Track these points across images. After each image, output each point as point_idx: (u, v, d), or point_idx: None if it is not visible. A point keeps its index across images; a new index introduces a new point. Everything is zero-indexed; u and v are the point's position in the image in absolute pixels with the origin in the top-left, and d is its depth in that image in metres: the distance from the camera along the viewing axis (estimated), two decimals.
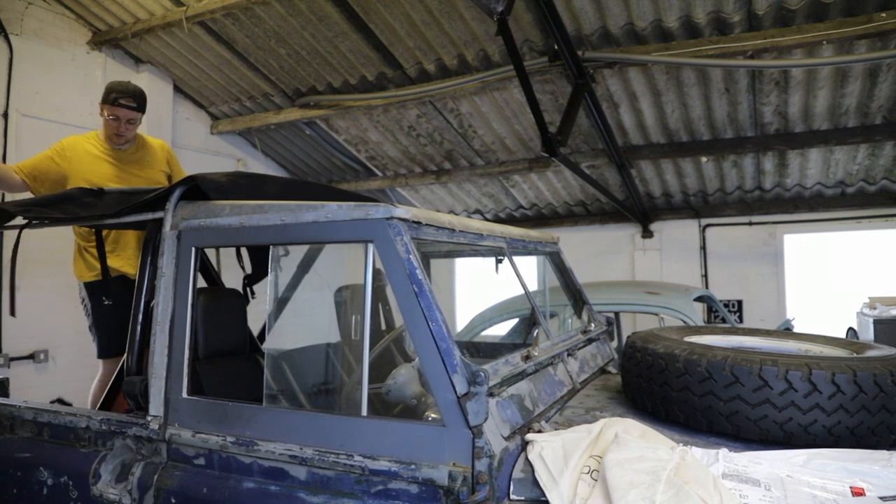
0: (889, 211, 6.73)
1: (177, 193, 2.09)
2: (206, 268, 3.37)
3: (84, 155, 3.53)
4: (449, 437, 1.57)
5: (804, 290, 7.36)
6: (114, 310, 3.30)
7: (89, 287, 3.52)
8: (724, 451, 1.64)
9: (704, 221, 7.62)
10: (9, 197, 5.26)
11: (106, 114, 3.47)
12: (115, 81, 3.59)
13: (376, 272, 2.69)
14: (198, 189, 2.09)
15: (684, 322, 4.38)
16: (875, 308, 6.20)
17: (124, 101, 3.44)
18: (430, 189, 8.31)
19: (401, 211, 1.71)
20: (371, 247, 1.72)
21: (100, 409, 3.17)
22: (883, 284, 6.87)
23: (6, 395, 2.69)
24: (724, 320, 5.91)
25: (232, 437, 1.80)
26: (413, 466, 1.56)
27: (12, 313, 2.53)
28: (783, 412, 1.76)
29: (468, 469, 1.53)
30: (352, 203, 1.75)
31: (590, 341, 2.92)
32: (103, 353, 3.49)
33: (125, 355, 2.26)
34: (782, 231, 7.32)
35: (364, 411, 1.73)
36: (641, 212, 7.52)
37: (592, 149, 6.55)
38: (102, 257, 3.25)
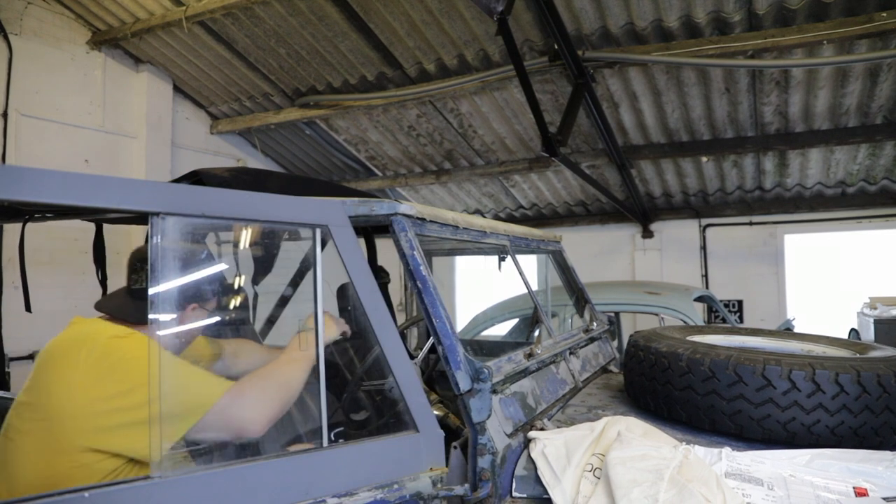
0: (889, 211, 6.72)
1: None
2: None
3: None
4: (425, 443, 1.50)
5: (804, 291, 7.35)
6: None
7: None
8: (727, 450, 1.63)
9: (705, 221, 7.62)
10: None
11: None
12: None
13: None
14: (201, 184, 2.08)
15: (684, 322, 4.38)
16: (875, 308, 6.19)
17: None
18: (430, 189, 8.31)
19: (405, 207, 1.70)
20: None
21: None
22: (883, 284, 6.86)
23: (7, 388, 2.67)
24: (724, 320, 5.91)
25: None
26: (397, 486, 1.45)
27: (27, 309, 2.51)
28: (786, 412, 1.75)
29: (444, 470, 1.51)
30: (356, 199, 1.74)
31: (591, 340, 2.92)
32: None
33: None
34: (782, 231, 7.31)
35: (325, 441, 1.47)
36: (642, 212, 7.52)
37: (592, 149, 6.55)
38: (102, 255, 3.22)
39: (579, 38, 4.83)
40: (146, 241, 1.36)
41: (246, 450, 1.65)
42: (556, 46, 4.35)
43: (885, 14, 4.06)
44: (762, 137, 5.91)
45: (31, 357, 5.29)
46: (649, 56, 4.71)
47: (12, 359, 5.15)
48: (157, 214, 1.28)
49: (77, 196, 1.17)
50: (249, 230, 2.10)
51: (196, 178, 2.07)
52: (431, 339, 1.63)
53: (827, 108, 5.38)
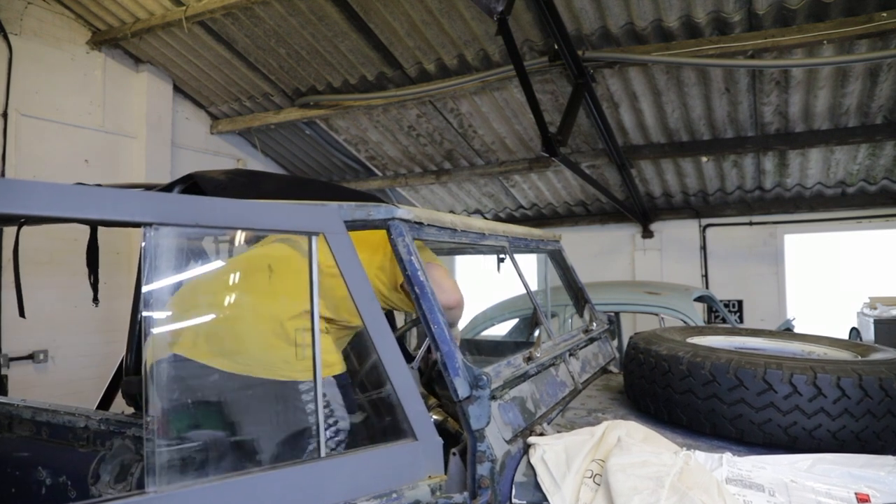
0: (889, 211, 6.71)
1: (175, 192, 2.07)
2: None
3: None
4: (423, 450, 1.49)
5: (804, 290, 7.34)
6: None
7: None
8: (727, 456, 1.63)
9: (705, 221, 7.61)
10: None
11: None
12: None
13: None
14: (196, 187, 2.07)
15: (684, 322, 4.37)
16: (875, 308, 6.18)
17: None
18: (430, 189, 8.30)
19: (403, 212, 1.69)
20: None
21: (98, 408, 3.15)
22: (883, 284, 6.86)
23: (4, 392, 2.67)
24: (724, 320, 5.90)
25: None
26: (395, 495, 1.43)
27: (21, 314, 2.49)
28: (787, 416, 1.75)
29: (443, 478, 1.50)
30: (353, 203, 1.73)
31: (591, 340, 2.91)
32: None
33: (124, 354, 2.24)
34: (782, 231, 7.30)
35: (323, 451, 1.47)
36: (642, 212, 7.51)
37: (592, 149, 6.53)
38: (95, 257, 3.21)
39: (579, 38, 4.82)
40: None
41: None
42: (556, 46, 4.33)
43: (885, 14, 4.05)
44: (762, 137, 5.89)
45: (30, 357, 5.28)
46: (649, 56, 4.70)
47: (12, 359, 5.14)
48: (149, 225, 1.26)
49: (68, 208, 1.16)
50: (243, 238, 2.09)
51: (191, 181, 2.05)
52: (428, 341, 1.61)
53: (827, 108, 5.37)
